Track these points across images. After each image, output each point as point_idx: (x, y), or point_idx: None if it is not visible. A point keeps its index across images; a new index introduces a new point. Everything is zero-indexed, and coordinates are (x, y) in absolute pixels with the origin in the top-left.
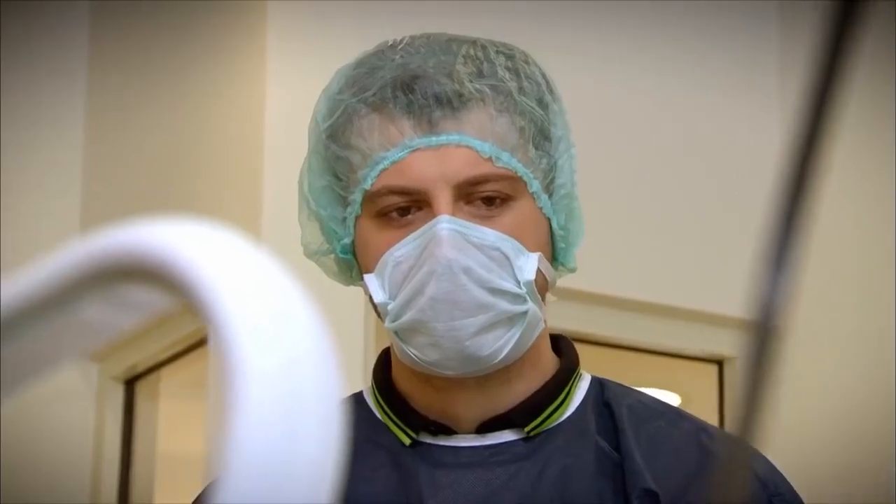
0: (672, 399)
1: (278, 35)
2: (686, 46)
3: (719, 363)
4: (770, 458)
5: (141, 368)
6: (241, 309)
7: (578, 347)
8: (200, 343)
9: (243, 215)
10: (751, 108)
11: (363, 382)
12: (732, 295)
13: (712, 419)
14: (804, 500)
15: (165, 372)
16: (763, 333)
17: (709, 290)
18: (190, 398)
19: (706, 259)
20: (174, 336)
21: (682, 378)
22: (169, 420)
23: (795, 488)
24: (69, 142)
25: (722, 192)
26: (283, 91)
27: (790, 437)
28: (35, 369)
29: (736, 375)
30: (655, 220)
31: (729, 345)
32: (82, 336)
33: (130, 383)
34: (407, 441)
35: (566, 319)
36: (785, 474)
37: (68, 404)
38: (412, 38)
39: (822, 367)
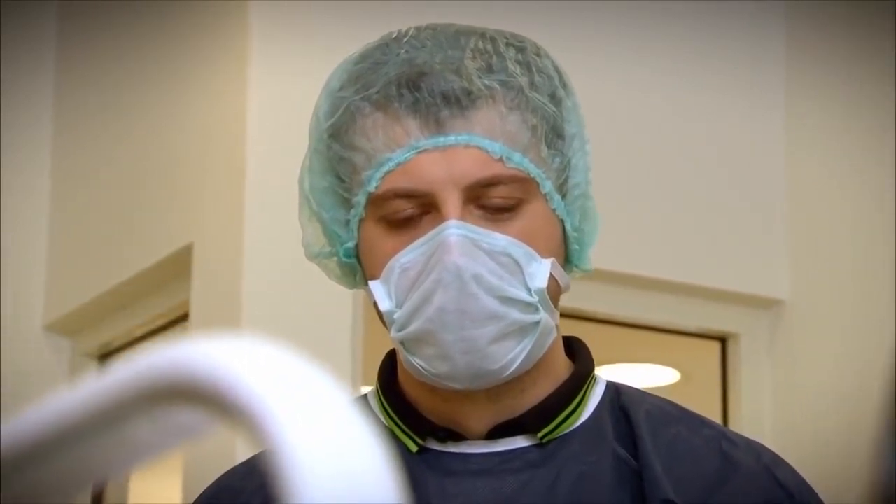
0: (670, 375)
1: (261, 37)
2: (691, 45)
3: (722, 340)
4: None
5: (115, 345)
6: (301, 437)
7: (577, 325)
8: (177, 320)
9: (225, 226)
10: (755, 102)
11: (351, 381)
12: (736, 270)
13: (714, 397)
14: None
15: (141, 349)
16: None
17: (712, 266)
18: None
19: (708, 234)
20: (150, 312)
21: (683, 355)
22: None
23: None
24: (36, 149)
25: (723, 167)
26: (266, 94)
27: (788, 436)
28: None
29: (739, 352)
30: (655, 195)
31: (732, 321)
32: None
33: (104, 360)
34: (414, 448)
35: (564, 296)
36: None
37: (38, 381)
38: (417, 30)
39: (821, 364)
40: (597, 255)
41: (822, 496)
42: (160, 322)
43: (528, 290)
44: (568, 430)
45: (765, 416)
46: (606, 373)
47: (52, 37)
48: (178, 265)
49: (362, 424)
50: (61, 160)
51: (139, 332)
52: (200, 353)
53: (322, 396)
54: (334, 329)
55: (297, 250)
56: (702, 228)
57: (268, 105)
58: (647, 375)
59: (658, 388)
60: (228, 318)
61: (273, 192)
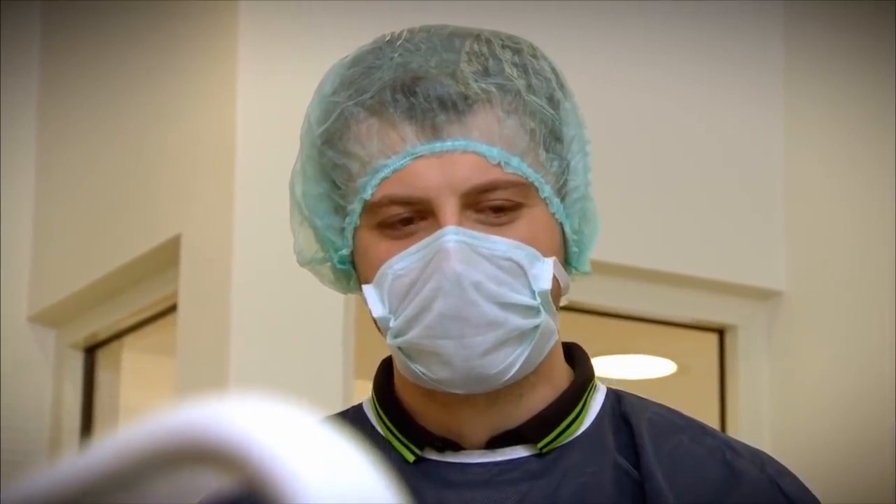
0: (667, 367)
1: (251, 31)
2: (691, 43)
3: (720, 331)
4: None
5: (102, 336)
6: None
7: (574, 317)
8: (166, 311)
9: (214, 216)
10: (754, 95)
11: (343, 373)
12: (734, 262)
13: (711, 389)
14: None
15: (128, 340)
16: None
17: (709, 257)
18: (154, 368)
19: (706, 225)
20: (138, 303)
21: (681, 346)
22: (131, 391)
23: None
24: (21, 139)
25: (721, 159)
26: (255, 87)
27: (785, 428)
28: None
29: (736, 344)
30: (654, 188)
31: (730, 313)
32: None
33: (91, 351)
34: (411, 458)
35: None
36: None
37: (23, 373)
38: (411, 32)
39: (819, 356)
40: (594, 247)
41: (821, 495)
42: (147, 313)
43: (532, 293)
44: (568, 440)
45: (762, 408)
46: (603, 364)
47: (35, 33)
48: (166, 256)
49: (384, 485)
50: (46, 150)
51: (126, 324)
52: (218, 415)
53: (345, 461)
54: (325, 321)
55: (286, 241)
56: (700, 220)
57: (257, 97)
58: (643, 367)
59: (655, 380)
60: (217, 311)
61: (263, 183)
